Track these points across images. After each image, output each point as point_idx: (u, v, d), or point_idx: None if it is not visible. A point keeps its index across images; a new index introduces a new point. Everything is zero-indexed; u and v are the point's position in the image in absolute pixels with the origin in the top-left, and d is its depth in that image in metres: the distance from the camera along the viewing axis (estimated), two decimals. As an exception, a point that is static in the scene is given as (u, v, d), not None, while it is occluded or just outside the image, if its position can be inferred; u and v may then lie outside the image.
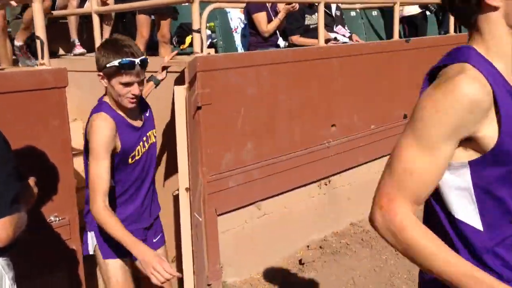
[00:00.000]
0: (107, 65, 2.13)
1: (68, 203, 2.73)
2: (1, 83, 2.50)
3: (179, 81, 3.32)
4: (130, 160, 2.32)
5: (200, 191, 3.29)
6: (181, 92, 3.22)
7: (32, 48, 4.21)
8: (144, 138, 2.39)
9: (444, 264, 1.03)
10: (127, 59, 2.11)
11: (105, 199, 2.11)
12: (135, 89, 2.17)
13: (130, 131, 2.31)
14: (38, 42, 2.64)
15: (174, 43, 5.35)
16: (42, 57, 2.66)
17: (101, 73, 2.20)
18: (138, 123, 2.37)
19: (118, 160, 2.27)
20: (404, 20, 6.65)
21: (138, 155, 2.35)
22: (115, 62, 2.11)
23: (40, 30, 2.63)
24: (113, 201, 2.32)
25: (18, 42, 4.40)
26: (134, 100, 2.20)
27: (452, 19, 5.86)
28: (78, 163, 3.76)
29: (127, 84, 2.16)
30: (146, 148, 2.41)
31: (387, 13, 6.80)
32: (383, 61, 4.82)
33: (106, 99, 2.28)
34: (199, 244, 3.27)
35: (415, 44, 5.18)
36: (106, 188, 2.12)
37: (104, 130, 2.15)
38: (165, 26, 4.58)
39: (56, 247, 2.70)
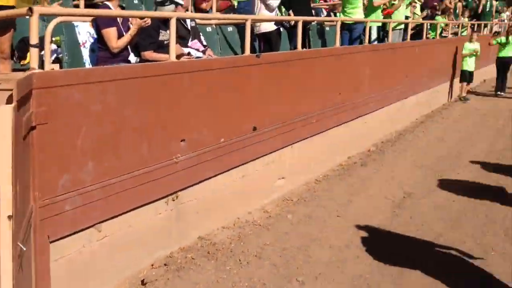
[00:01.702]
0: None
1: None
2: None
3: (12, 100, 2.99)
4: None
5: (31, 218, 3.02)
6: (6, 111, 2.91)
7: None
8: None
9: None
10: None
11: None
12: None
13: None
14: None
15: (15, 58, 4.87)
16: None
17: None
18: None
19: None
20: (260, 36, 6.84)
21: None
22: None
23: None
24: None
25: None
26: None
27: (300, 36, 6.16)
28: None
29: None
30: None
31: (242, 29, 6.93)
32: (234, 76, 4.90)
33: None
34: (25, 278, 3.01)
35: (265, 59, 5.36)
36: None
37: None
38: (5, 41, 4.14)
39: None
